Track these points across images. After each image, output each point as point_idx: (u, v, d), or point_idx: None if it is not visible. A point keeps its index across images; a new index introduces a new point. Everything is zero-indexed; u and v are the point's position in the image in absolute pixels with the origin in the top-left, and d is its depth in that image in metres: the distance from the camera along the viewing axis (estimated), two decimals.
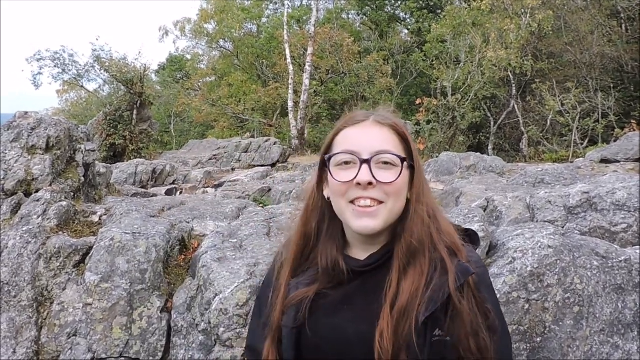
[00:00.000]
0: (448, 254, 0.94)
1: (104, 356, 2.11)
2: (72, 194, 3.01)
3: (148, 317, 2.19)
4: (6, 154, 2.86)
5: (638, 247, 2.15)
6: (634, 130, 10.14)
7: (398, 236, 0.96)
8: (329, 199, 1.01)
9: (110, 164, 8.36)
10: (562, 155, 12.51)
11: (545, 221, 2.51)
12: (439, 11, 20.17)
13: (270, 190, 6.27)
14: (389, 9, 24.28)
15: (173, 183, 8.56)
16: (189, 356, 2.09)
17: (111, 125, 12.62)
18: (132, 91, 13.28)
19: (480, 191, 3.62)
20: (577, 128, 13.23)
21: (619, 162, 6.34)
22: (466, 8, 16.39)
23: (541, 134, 14.64)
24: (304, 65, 18.43)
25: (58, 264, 2.34)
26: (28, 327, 2.21)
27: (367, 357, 0.91)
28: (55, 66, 18.35)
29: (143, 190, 6.35)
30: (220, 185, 8.25)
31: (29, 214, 2.56)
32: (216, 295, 2.06)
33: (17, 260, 2.33)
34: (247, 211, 3.23)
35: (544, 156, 13.22)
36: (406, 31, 24.54)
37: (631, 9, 14.97)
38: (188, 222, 2.88)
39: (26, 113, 3.10)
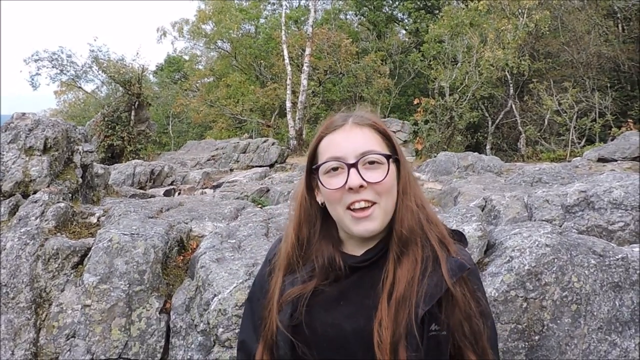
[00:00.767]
0: (439, 244, 0.97)
1: (102, 357, 2.10)
2: (70, 195, 3.01)
3: (147, 318, 2.18)
4: (3, 155, 2.85)
5: (635, 245, 2.16)
6: (631, 130, 10.19)
7: (390, 229, 0.98)
8: (323, 204, 1.03)
9: (108, 165, 8.34)
10: (560, 155, 12.56)
11: (542, 220, 2.52)
12: (437, 11, 20.21)
13: (268, 190, 6.26)
14: (387, 9, 24.31)
15: (171, 184, 8.55)
16: (188, 357, 2.09)
17: (109, 126, 12.61)
18: (130, 92, 13.27)
19: (478, 190, 3.63)
20: (575, 127, 13.27)
21: (616, 161, 6.37)
22: (463, 8, 16.43)
23: (539, 134, 14.69)
24: (302, 65, 18.44)
25: (56, 266, 2.34)
26: (26, 329, 2.20)
27: (365, 352, 0.91)
28: (53, 67, 18.33)
29: (141, 191, 6.33)
30: (218, 185, 8.24)
31: (27, 215, 2.55)
32: (215, 295, 2.06)
33: (15, 261, 2.32)
34: (245, 212, 3.23)
35: (542, 155, 13.26)
36: (404, 31, 24.59)
37: (627, 9, 15.03)
38: (186, 223, 2.87)
39: (23, 114, 3.09)
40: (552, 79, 14.87)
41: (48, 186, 2.83)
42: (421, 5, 21.84)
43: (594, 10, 15.40)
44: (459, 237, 1.06)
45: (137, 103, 13.34)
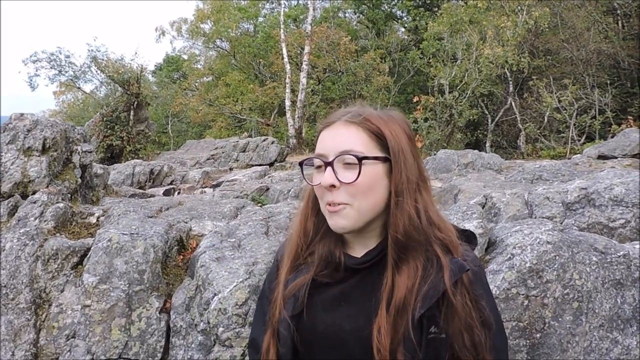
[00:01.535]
0: (442, 250, 0.93)
1: (103, 358, 2.10)
2: (69, 195, 3.00)
3: (147, 317, 2.18)
4: (2, 156, 2.85)
5: (636, 242, 2.16)
6: (631, 126, 10.19)
7: (387, 232, 0.96)
8: None
9: (108, 165, 8.33)
10: (560, 152, 12.56)
11: (543, 217, 2.51)
12: (436, 9, 20.16)
13: (268, 189, 6.26)
14: (386, 7, 24.28)
15: (171, 183, 8.54)
16: (188, 356, 2.08)
17: (108, 127, 12.60)
18: (129, 92, 13.27)
19: (479, 188, 3.63)
20: (574, 124, 13.26)
21: (616, 158, 6.36)
22: (463, 5, 16.40)
23: (538, 131, 14.68)
24: (301, 64, 18.40)
25: (56, 266, 2.33)
26: (26, 330, 2.20)
27: (364, 354, 0.90)
28: (51, 67, 18.33)
29: (141, 190, 6.33)
30: (218, 185, 8.23)
31: (26, 216, 2.55)
32: (215, 295, 2.05)
33: (15, 262, 2.32)
34: (245, 210, 3.22)
35: (542, 153, 13.26)
36: (403, 29, 24.57)
37: (627, 6, 15.01)
38: (186, 222, 2.87)
39: (22, 115, 3.08)
40: (552, 76, 14.86)
41: (47, 186, 2.82)
42: (420, 3, 21.83)
43: (594, 7, 15.38)
44: (468, 237, 1.04)
45: (136, 103, 13.34)
